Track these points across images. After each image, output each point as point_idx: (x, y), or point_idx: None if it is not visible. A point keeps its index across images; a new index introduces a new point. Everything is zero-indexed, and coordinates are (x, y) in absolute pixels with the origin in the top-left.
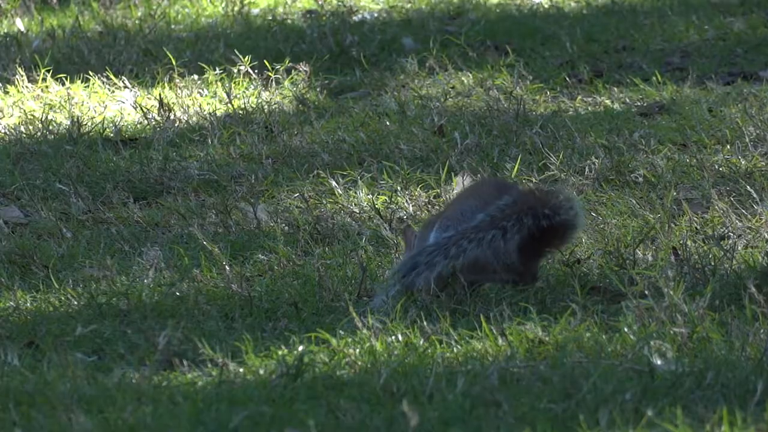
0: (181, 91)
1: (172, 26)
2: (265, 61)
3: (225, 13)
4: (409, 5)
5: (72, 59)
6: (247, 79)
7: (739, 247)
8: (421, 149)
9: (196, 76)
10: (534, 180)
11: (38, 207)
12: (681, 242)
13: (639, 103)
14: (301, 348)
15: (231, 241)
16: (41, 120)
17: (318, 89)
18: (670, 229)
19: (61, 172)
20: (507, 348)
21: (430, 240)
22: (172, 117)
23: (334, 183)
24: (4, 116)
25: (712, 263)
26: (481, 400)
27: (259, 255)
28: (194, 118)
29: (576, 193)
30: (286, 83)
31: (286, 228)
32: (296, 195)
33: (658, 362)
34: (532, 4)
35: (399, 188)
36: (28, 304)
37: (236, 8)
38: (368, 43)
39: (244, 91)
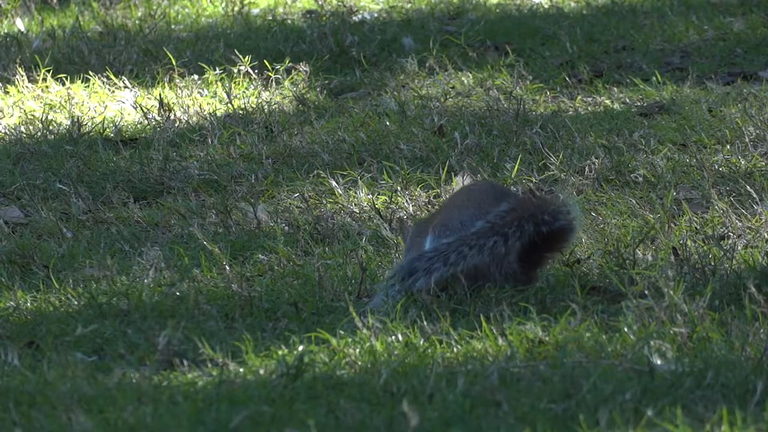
0: (181, 91)
1: (172, 26)
2: (265, 61)
3: (225, 13)
4: (409, 5)
5: (72, 59)
6: (247, 79)
7: (739, 247)
8: (421, 149)
9: (196, 76)
10: (534, 180)
11: (38, 207)
12: (681, 242)
13: (639, 103)
14: (301, 348)
15: (231, 241)
16: (41, 120)
17: (318, 89)
18: (670, 229)
19: (62, 172)
20: (507, 348)
21: (426, 247)
22: (172, 117)
23: (334, 183)
24: (4, 116)
25: (712, 263)
26: (481, 400)
27: (259, 255)
28: (194, 118)
29: (576, 193)
30: (286, 83)
31: (286, 228)
32: (296, 195)
33: (658, 362)
34: (532, 4)
35: (399, 188)
36: (28, 304)
37: (236, 8)
38: (368, 43)
39: (244, 91)
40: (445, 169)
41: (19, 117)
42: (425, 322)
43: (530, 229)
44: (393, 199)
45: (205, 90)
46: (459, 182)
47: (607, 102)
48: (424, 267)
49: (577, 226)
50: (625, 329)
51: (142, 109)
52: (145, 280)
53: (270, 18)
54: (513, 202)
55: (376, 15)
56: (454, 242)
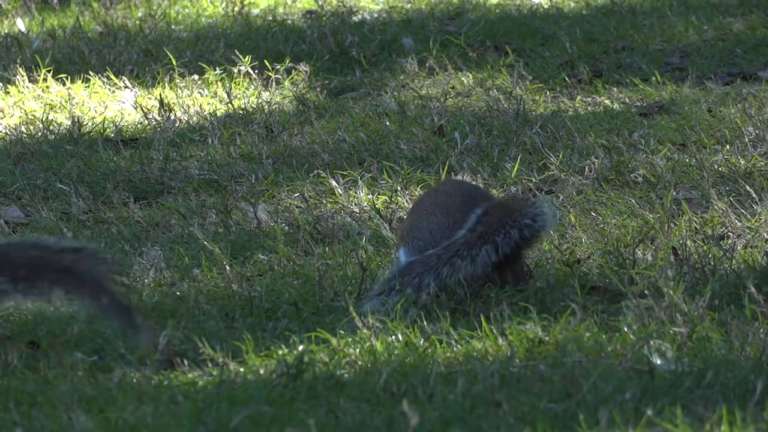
0: (182, 91)
1: (173, 26)
2: (265, 61)
3: (225, 13)
4: (409, 5)
5: (72, 59)
6: (247, 79)
7: (739, 247)
8: (421, 149)
9: (196, 76)
10: (534, 180)
11: (39, 207)
12: (681, 242)
13: (639, 103)
14: (301, 348)
15: (231, 241)
16: (42, 120)
17: (318, 89)
18: (669, 229)
19: (62, 172)
20: (507, 348)
21: (401, 259)
22: (172, 117)
23: (334, 183)
24: (5, 116)
25: (712, 263)
26: (481, 400)
27: (260, 255)
28: (194, 118)
29: (576, 193)
30: (286, 83)
31: (286, 228)
32: (296, 195)
33: (658, 362)
34: (532, 4)
35: (399, 188)
36: (29, 304)
37: (236, 8)
38: (368, 43)
39: (244, 91)
40: (445, 169)
41: (20, 117)
42: (425, 322)
43: (516, 235)
44: (393, 199)
45: (205, 90)
46: None
47: (607, 102)
48: (415, 283)
49: (552, 224)
50: (625, 329)
51: (142, 109)
52: (146, 280)
53: (270, 18)
54: (485, 205)
55: (376, 15)
56: (444, 253)
